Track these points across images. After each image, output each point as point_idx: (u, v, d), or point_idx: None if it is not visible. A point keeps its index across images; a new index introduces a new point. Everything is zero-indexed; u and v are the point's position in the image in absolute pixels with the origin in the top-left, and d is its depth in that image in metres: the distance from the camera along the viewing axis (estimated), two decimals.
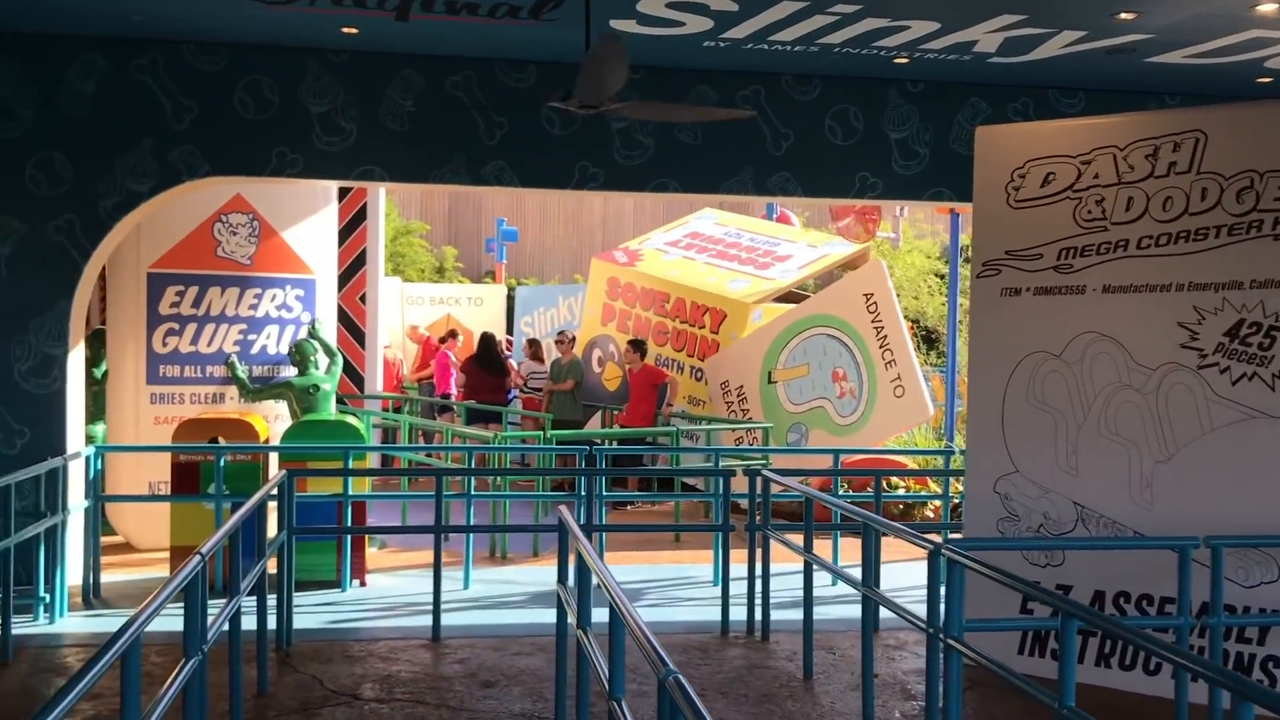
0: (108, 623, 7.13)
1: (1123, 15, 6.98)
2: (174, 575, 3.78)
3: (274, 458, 8.49)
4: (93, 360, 9.89)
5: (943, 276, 21.11)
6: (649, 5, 6.93)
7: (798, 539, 7.11)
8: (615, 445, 10.96)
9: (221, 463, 7.79)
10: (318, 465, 8.10)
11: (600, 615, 4.61)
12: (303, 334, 9.70)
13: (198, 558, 4.06)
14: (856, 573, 5.73)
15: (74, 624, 7.11)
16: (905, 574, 8.12)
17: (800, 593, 8.02)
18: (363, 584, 8.32)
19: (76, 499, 7.70)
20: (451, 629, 7.04)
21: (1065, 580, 6.25)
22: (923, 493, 10.81)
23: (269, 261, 9.69)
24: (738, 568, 7.32)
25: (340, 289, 11.71)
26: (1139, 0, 6.73)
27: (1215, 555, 5.20)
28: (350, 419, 9.00)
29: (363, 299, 12.87)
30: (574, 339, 13.30)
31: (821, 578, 8.38)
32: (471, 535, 8.41)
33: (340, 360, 9.59)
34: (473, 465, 9.36)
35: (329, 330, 10.11)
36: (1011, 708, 5.77)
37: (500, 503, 9.30)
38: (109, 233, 8.08)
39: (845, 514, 6.32)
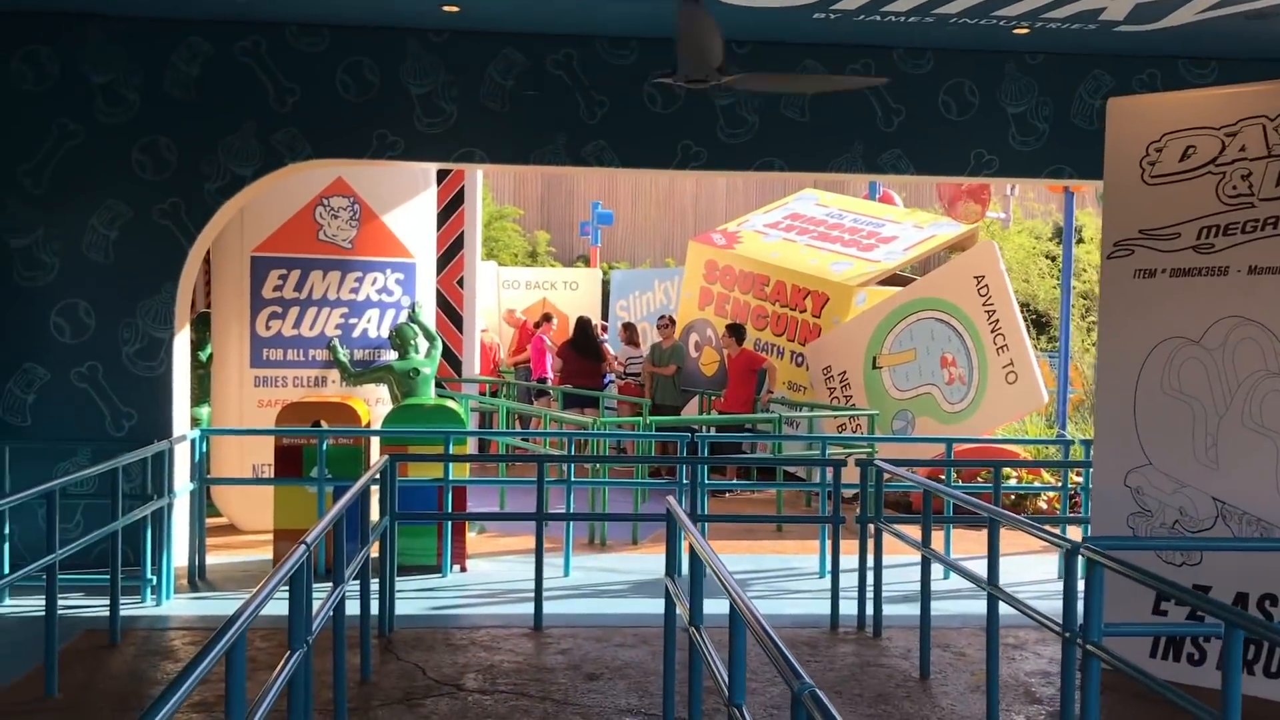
0: (213, 605, 7.17)
1: None
2: (279, 566, 3.67)
3: (374, 441, 8.46)
4: (198, 343, 9.98)
5: (1054, 258, 20.40)
6: None
7: (911, 531, 6.84)
8: (714, 432, 10.74)
9: (324, 446, 7.76)
10: (418, 450, 8.04)
11: (711, 608, 4.42)
12: (403, 318, 9.66)
13: (302, 548, 3.95)
14: (971, 566, 5.43)
15: (180, 606, 7.14)
16: (1019, 569, 7.76)
17: (909, 587, 7.80)
18: (463, 569, 8.25)
19: (182, 482, 7.74)
20: (553, 617, 6.90)
21: (1203, 580, 5.86)
22: (1034, 483, 10.38)
23: (369, 245, 9.66)
24: (844, 559, 7.07)
25: (438, 273, 11.67)
26: None
27: None
28: (450, 403, 8.93)
29: (460, 283, 12.83)
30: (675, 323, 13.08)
31: (915, 571, 8.08)
32: (572, 522, 8.27)
33: (440, 344, 9.53)
34: (573, 451, 9.21)
35: (428, 314, 10.06)
36: (1148, 715, 5.43)
37: (599, 489, 9.16)
38: (213, 216, 8.10)
39: (966, 507, 6.01)
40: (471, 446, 10.16)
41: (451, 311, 12.66)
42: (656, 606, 7.22)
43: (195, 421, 9.40)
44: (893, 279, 12.42)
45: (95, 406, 7.99)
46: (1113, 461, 6.16)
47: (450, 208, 12.56)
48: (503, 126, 8.29)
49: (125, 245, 8.00)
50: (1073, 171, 8.73)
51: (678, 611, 5.09)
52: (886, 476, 6.88)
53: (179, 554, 7.76)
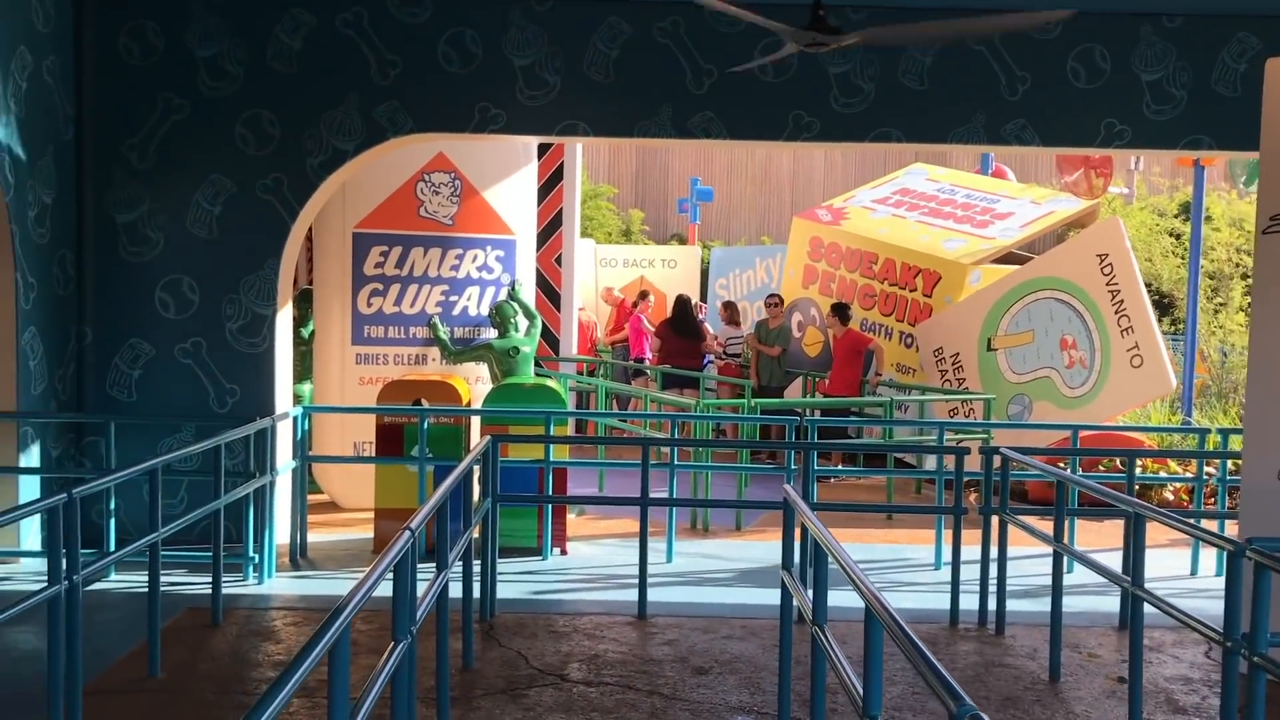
0: (314, 585, 7.10)
1: None
2: (383, 553, 3.48)
3: (475, 420, 8.32)
4: (300, 320, 9.96)
5: (1179, 236, 19.46)
6: None
7: (1037, 523, 6.45)
8: (819, 415, 10.39)
9: (425, 425, 7.63)
10: (519, 430, 7.87)
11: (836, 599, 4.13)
12: (503, 295, 9.50)
13: (407, 534, 3.76)
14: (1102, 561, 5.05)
15: (281, 585, 7.08)
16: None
17: (1027, 581, 7.39)
18: (563, 552, 8.07)
19: (284, 459, 7.68)
20: (657, 605, 6.67)
21: None
22: (1162, 474, 9.82)
23: (470, 221, 9.50)
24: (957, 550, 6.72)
25: (536, 250, 11.49)
26: None
27: None
28: (549, 382, 8.75)
29: (558, 260, 12.64)
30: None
31: (1036, 565, 7.68)
32: (674, 507, 8.02)
33: (539, 323, 9.34)
34: (676, 435, 8.96)
35: (528, 292, 9.88)
36: None
37: (701, 473, 8.90)
38: (315, 191, 8.01)
39: (1100, 499, 5.61)
40: (569, 427, 9.99)
41: (549, 290, 12.48)
42: (764, 597, 6.98)
43: (297, 398, 9.37)
44: (1008, 257, 11.89)
45: (199, 382, 7.98)
46: (1268, 454, 5.68)
47: (549, 184, 12.37)
48: (606, 98, 8.04)
49: (229, 221, 7.95)
50: (1212, 142, 8.17)
51: (795, 606, 4.81)
52: (1014, 465, 6.48)
53: (280, 531, 7.71)
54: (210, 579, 6.27)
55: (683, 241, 22.32)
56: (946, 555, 7.69)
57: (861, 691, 3.26)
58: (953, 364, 11.05)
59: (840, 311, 11.42)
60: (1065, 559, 5.98)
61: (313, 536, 8.11)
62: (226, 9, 7.85)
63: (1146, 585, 4.85)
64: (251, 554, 7.04)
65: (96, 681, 5.15)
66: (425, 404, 7.93)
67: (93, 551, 6.60)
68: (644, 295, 14.77)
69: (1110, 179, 13.59)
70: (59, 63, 7.59)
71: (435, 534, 4.94)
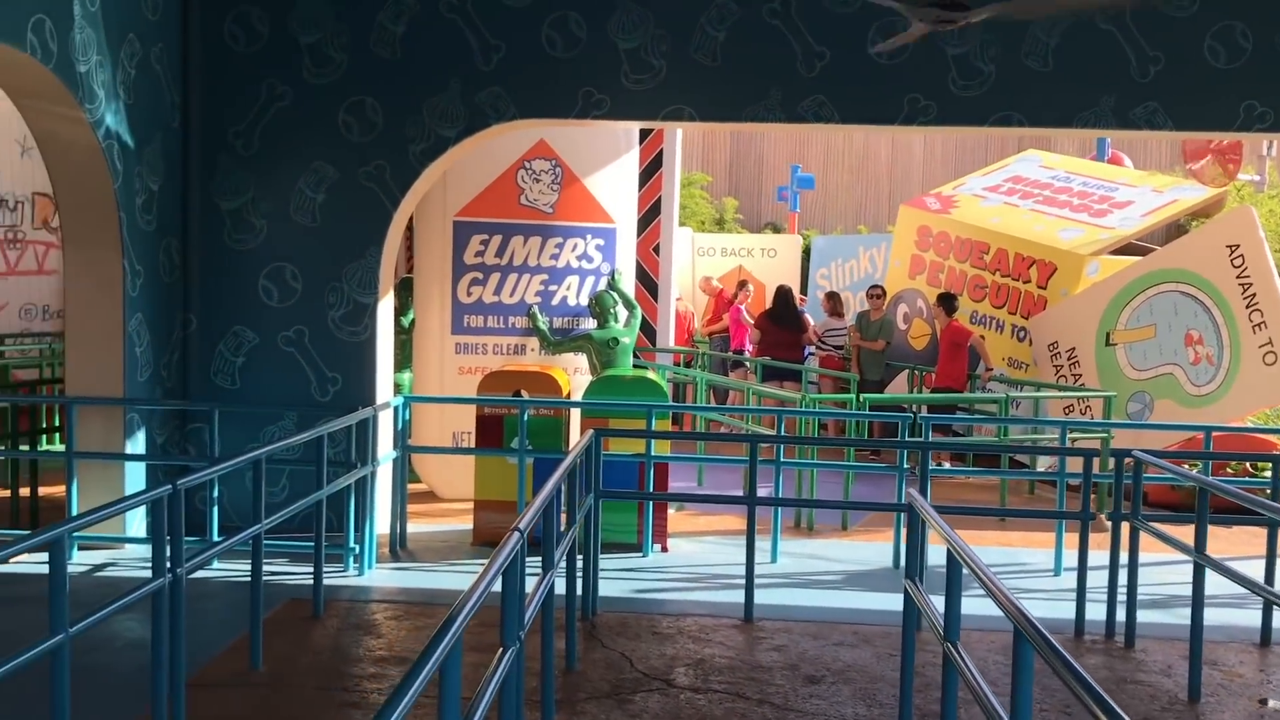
0: (414, 577, 7.01)
1: None
2: (493, 557, 3.30)
3: (574, 413, 8.16)
4: (400, 309, 9.91)
5: None
6: None
7: (1173, 530, 6.06)
8: (927, 411, 10.02)
9: (525, 417, 7.49)
10: (620, 424, 7.68)
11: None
12: (602, 285, 9.32)
13: (516, 535, 3.59)
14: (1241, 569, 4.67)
15: (381, 577, 7.00)
16: (1257, 572, 6.74)
17: (1155, 590, 6.98)
18: (664, 549, 7.87)
19: (385, 449, 7.61)
20: (763, 608, 6.43)
21: None
22: None
23: (570, 210, 9.34)
24: (1074, 556, 6.36)
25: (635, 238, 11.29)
26: None
27: None
28: (650, 374, 8.54)
29: (656, 250, 12.43)
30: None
31: (1161, 573, 7.27)
32: (780, 507, 7.76)
33: (639, 313, 9.15)
34: (783, 431, 8.69)
35: (627, 282, 9.69)
36: None
37: (805, 470, 8.62)
38: (417, 179, 7.91)
39: (1249, 507, 5.22)
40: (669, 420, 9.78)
41: (647, 279, 12.29)
42: (875, 601, 6.71)
43: (397, 388, 9.32)
44: (1128, 248, 11.35)
45: (301, 371, 7.95)
46: None
47: (648, 172, 12.16)
48: (713, 82, 7.79)
49: (331, 208, 7.90)
50: None
51: (922, 616, 4.54)
52: (1148, 469, 6.09)
53: (380, 522, 7.64)
54: (311, 569, 6.21)
55: (777, 230, 21.93)
56: (1067, 560, 7.33)
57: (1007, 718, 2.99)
58: (1068, 359, 10.58)
59: (945, 302, 11.02)
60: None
61: (412, 527, 8.04)
62: None
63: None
64: (353, 545, 6.97)
65: (200, 674, 5.10)
66: (525, 395, 7.79)
67: (196, 539, 6.59)
68: (743, 285, 14.48)
69: (1240, 165, 12.92)
70: (166, 50, 7.60)
71: (541, 530, 4.77)
